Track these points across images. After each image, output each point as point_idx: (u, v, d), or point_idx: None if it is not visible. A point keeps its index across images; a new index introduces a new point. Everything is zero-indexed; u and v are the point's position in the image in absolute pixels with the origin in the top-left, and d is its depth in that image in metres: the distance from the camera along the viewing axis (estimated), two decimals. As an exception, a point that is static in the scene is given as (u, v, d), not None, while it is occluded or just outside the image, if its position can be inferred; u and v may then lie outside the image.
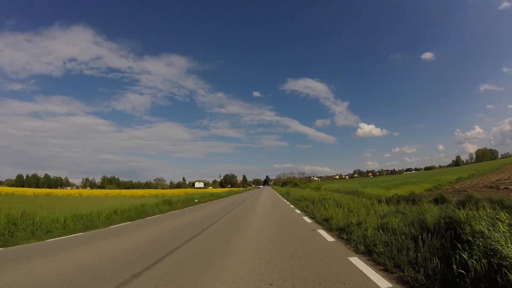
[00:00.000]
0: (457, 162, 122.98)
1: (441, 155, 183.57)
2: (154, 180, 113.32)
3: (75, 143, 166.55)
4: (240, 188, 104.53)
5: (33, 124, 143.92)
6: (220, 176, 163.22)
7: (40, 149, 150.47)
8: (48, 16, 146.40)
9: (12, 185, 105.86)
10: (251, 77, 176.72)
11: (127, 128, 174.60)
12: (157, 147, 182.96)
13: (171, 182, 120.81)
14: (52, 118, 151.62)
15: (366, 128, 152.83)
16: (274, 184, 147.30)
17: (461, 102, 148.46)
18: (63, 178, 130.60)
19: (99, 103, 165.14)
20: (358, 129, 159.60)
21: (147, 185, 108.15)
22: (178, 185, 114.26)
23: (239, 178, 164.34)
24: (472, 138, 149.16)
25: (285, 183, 72.75)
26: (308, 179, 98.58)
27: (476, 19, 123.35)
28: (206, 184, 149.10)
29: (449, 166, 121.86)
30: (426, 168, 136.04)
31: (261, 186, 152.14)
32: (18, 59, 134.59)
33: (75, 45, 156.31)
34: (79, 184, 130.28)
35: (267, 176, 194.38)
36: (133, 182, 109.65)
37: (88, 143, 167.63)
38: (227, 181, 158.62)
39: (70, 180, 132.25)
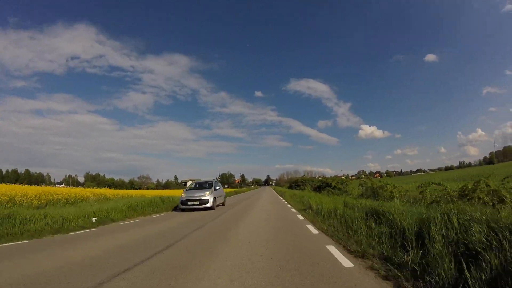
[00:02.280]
0: (491, 160, 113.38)
1: (443, 158, 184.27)
2: (138, 177, 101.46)
3: (77, 141, 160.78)
4: (238, 189, 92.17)
5: (35, 122, 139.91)
6: (218, 176, 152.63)
7: (41, 147, 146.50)
8: (51, 14, 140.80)
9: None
10: (254, 77, 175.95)
11: (129, 127, 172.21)
12: (160, 146, 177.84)
13: (158, 181, 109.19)
14: (54, 116, 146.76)
15: (368, 130, 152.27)
16: (276, 184, 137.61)
17: (463, 104, 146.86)
18: (44, 174, 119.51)
19: (102, 102, 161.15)
20: (360, 131, 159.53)
21: (131, 184, 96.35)
22: (166, 185, 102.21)
23: (237, 178, 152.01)
24: (474, 141, 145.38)
25: (295, 184, 49.90)
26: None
27: (479, 22, 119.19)
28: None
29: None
30: (447, 168, 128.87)
31: (265, 186, 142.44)
32: (21, 56, 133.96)
33: (78, 43, 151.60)
34: (61, 181, 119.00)
35: (268, 176, 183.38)
36: (115, 179, 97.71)
37: (90, 142, 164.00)
38: (224, 180, 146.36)
39: (52, 177, 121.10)
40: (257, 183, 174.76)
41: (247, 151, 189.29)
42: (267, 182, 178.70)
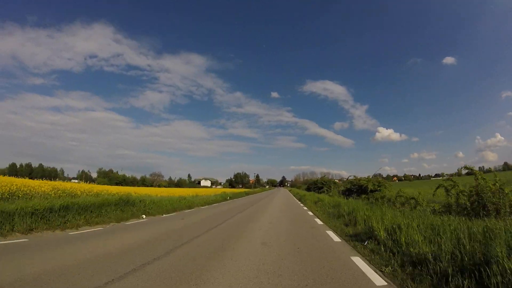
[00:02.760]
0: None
1: (460, 163, 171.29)
2: (150, 175, 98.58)
3: (93, 137, 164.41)
4: (251, 190, 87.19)
5: (53, 118, 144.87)
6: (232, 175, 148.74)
7: (58, 142, 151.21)
8: (69, 13, 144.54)
9: (4, 174, 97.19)
10: (270, 77, 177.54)
11: (144, 125, 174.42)
12: (174, 144, 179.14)
13: (170, 179, 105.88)
14: (72, 113, 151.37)
15: (385, 133, 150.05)
16: (291, 186, 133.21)
17: (481, 108, 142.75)
18: (58, 169, 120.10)
19: (118, 100, 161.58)
20: (377, 133, 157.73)
21: (143, 181, 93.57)
22: (178, 183, 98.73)
23: (252, 178, 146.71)
24: (492, 146, 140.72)
25: (314, 185, 41.84)
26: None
27: (498, 24, 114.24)
28: (214, 183, 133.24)
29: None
30: (468, 173, 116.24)
31: (280, 187, 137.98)
32: (39, 54, 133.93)
33: (95, 42, 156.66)
34: (75, 176, 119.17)
35: (283, 177, 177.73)
36: (127, 176, 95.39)
37: (105, 138, 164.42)
38: (238, 180, 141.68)
39: (66, 173, 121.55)
40: (272, 183, 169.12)
41: (261, 151, 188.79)
42: (282, 183, 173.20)
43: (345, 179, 30.72)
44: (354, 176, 19.71)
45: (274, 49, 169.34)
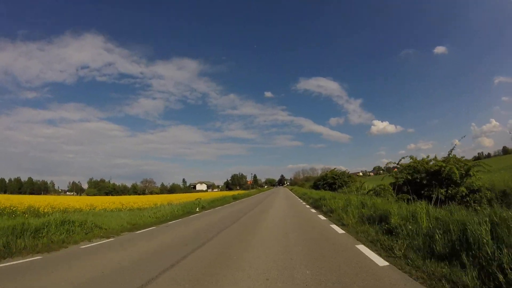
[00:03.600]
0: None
1: (458, 150, 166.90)
2: (142, 182, 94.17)
3: (89, 148, 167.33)
4: (245, 191, 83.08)
5: (48, 131, 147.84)
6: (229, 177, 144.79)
7: (54, 155, 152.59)
8: (59, 25, 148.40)
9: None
10: (263, 77, 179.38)
11: (140, 132, 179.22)
12: (171, 150, 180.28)
13: (162, 185, 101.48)
14: (66, 125, 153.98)
15: (380, 125, 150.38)
16: (292, 184, 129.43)
17: (475, 95, 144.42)
18: (48, 182, 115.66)
19: (112, 109, 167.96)
20: (372, 127, 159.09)
21: (134, 188, 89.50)
22: (172, 189, 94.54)
23: (249, 179, 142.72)
24: (488, 132, 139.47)
25: (323, 182, 31.29)
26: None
27: (489, 11, 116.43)
28: (210, 187, 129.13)
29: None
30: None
31: (279, 186, 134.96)
32: (31, 67, 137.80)
33: (86, 52, 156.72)
34: (66, 188, 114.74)
35: (282, 176, 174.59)
36: (116, 185, 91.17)
37: (102, 149, 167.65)
38: (235, 182, 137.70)
39: (56, 185, 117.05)
40: (271, 183, 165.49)
41: (258, 152, 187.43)
42: (281, 182, 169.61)
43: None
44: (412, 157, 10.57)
45: (265, 49, 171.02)
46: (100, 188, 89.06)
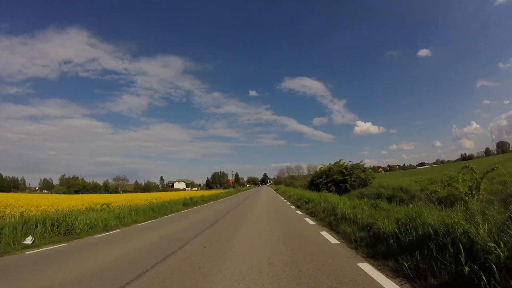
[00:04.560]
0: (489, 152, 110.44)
1: (439, 151, 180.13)
2: (114, 179, 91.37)
3: (72, 146, 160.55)
4: (225, 190, 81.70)
5: (30, 128, 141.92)
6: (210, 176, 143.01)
7: (37, 152, 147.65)
8: (42, 19, 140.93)
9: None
10: (248, 76, 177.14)
11: (124, 130, 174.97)
12: (155, 148, 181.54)
13: (136, 182, 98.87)
14: (49, 121, 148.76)
15: (363, 126, 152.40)
16: (276, 183, 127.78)
17: (457, 98, 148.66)
18: (19, 179, 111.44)
19: (96, 106, 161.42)
20: (355, 127, 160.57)
21: (105, 186, 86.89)
22: (146, 187, 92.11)
23: (231, 177, 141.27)
24: (469, 134, 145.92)
25: (325, 180, 22.12)
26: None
27: (472, 15, 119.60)
28: (189, 185, 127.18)
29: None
30: (448, 161, 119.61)
31: (262, 186, 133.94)
32: (13, 62, 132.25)
33: (70, 47, 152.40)
34: (37, 186, 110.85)
35: (265, 174, 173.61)
36: (87, 182, 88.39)
37: (85, 146, 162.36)
38: (216, 180, 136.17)
39: (28, 182, 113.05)
40: (253, 182, 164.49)
41: (242, 151, 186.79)
42: (264, 181, 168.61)
43: None
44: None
45: (251, 48, 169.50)
46: (70, 185, 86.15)
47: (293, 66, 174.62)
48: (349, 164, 22.04)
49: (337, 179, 21.08)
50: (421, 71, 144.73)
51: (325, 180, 22.00)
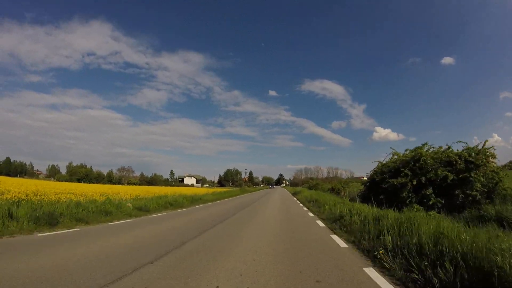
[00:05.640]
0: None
1: None
2: (118, 170, 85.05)
3: (90, 136, 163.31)
4: (234, 189, 72.92)
5: (50, 116, 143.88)
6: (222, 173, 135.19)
7: (55, 140, 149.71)
8: (67, 10, 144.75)
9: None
10: (268, 76, 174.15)
11: (142, 123, 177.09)
12: (172, 143, 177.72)
13: (142, 174, 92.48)
14: (69, 111, 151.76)
15: (382, 132, 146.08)
16: (292, 185, 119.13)
17: (479, 109, 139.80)
18: (27, 164, 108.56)
19: (116, 98, 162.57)
20: (374, 133, 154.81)
21: (109, 176, 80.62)
22: (152, 180, 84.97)
23: (245, 175, 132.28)
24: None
25: (420, 172, 10.95)
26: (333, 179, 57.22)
27: (497, 25, 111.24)
28: (200, 181, 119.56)
29: None
30: None
31: (276, 186, 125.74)
32: (37, 51, 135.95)
33: (93, 39, 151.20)
34: (45, 172, 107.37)
35: (280, 174, 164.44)
36: (92, 171, 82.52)
37: (103, 137, 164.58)
38: (228, 178, 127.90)
39: (35, 167, 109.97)
40: (268, 182, 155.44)
41: (258, 150, 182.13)
42: (279, 181, 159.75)
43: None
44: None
45: (272, 48, 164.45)
46: (72, 173, 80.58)
47: (314, 68, 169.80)
48: (464, 152, 10.85)
49: (447, 178, 10.16)
50: (444, 79, 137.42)
51: (414, 180, 10.69)
